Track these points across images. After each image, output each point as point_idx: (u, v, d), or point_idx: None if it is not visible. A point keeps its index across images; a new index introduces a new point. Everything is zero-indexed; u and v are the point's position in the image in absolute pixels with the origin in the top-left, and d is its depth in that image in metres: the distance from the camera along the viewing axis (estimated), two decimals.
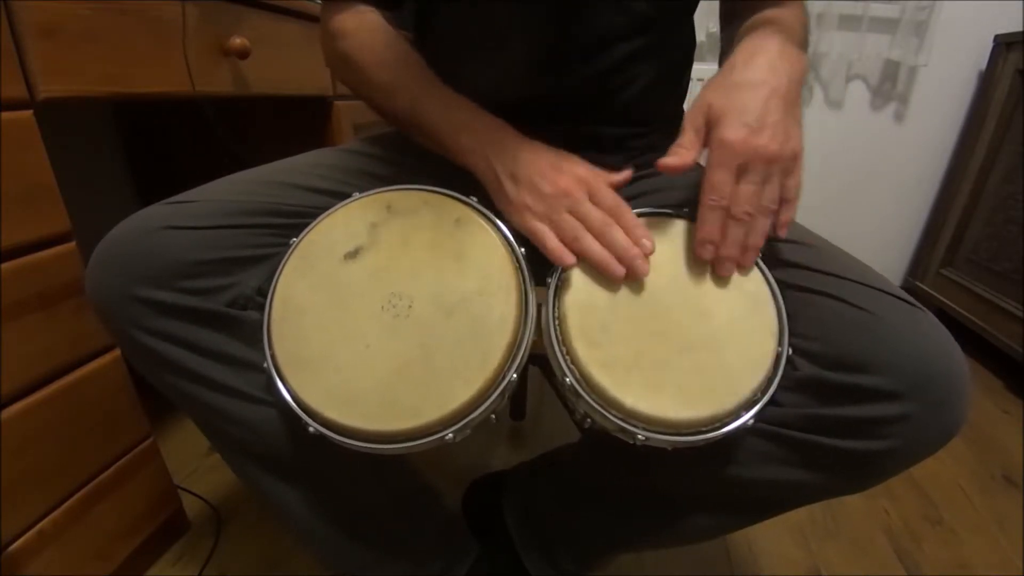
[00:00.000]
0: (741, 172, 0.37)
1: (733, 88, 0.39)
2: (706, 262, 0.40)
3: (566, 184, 0.42)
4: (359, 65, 0.51)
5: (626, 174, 0.45)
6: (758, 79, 0.39)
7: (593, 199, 0.42)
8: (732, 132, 0.37)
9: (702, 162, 0.40)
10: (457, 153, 0.47)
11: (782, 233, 0.40)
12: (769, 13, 0.50)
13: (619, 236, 0.40)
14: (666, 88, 0.57)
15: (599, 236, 0.40)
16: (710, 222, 0.38)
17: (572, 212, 0.41)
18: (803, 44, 0.48)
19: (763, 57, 0.41)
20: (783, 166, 0.38)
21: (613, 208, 0.41)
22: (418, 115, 0.49)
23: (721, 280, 0.40)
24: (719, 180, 0.38)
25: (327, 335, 0.40)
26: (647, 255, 0.40)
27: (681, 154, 0.39)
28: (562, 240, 0.41)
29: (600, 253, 0.40)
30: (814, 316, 0.40)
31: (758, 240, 0.39)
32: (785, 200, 0.39)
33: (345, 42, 0.52)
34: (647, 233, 0.40)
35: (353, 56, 0.51)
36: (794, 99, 0.40)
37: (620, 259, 0.39)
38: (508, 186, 0.43)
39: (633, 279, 0.40)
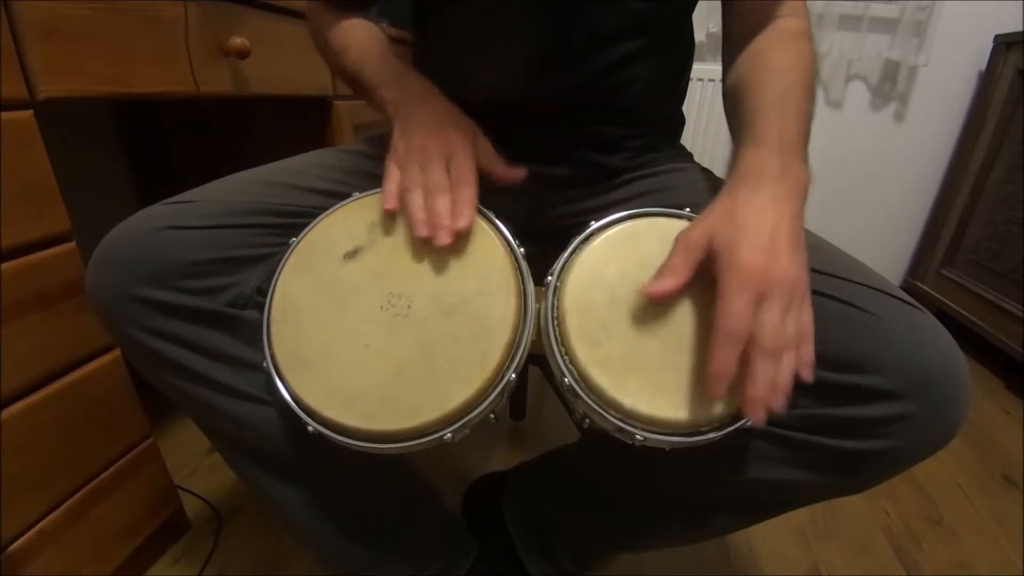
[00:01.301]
0: (760, 301, 0.33)
1: (739, 222, 0.36)
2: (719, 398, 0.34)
3: (428, 142, 0.44)
4: (324, 34, 0.56)
5: (518, 172, 0.47)
6: (762, 215, 0.36)
7: (448, 163, 0.43)
8: (748, 256, 0.34)
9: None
10: (379, 104, 0.50)
11: (808, 375, 0.34)
12: (772, 60, 0.47)
13: (441, 203, 0.41)
14: (666, 88, 0.57)
15: (426, 195, 0.42)
16: (725, 356, 0.32)
17: (422, 167, 0.43)
18: (809, 114, 0.44)
19: (765, 191, 0.37)
20: (800, 294, 0.34)
21: (457, 178, 0.42)
22: (357, 71, 0.53)
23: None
24: (739, 308, 0.32)
25: (326, 335, 0.40)
26: (457, 232, 0.40)
27: (666, 281, 0.36)
28: (400, 188, 0.43)
29: (415, 211, 0.41)
30: (814, 316, 0.40)
31: (788, 379, 0.33)
32: (803, 334, 0.34)
33: (316, 15, 0.57)
34: (470, 214, 0.41)
35: (319, 26, 0.57)
36: (797, 230, 0.36)
37: (430, 223, 0.40)
38: (396, 132, 0.46)
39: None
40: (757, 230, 0.35)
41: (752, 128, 0.42)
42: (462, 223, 0.40)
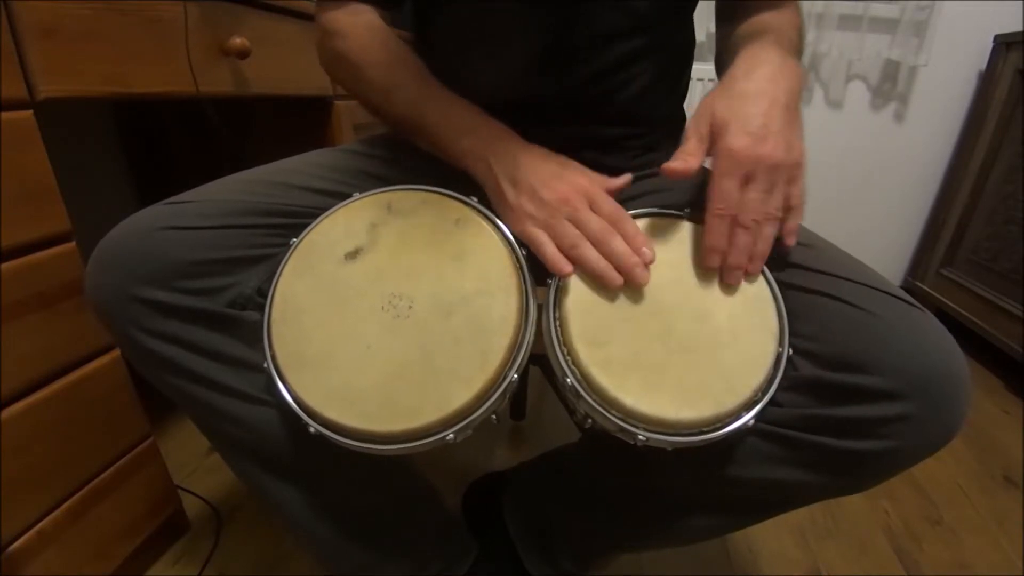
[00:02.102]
0: (746, 180, 0.38)
1: (735, 98, 0.40)
2: (712, 268, 0.40)
3: (566, 192, 0.42)
4: (356, 65, 0.51)
5: (626, 178, 0.45)
6: (759, 90, 0.40)
7: (593, 207, 0.42)
8: (737, 141, 0.38)
9: (707, 165, 0.41)
10: (458, 156, 0.47)
11: (790, 241, 0.40)
12: (766, 17, 0.51)
13: (618, 244, 0.40)
14: (666, 88, 0.57)
15: (598, 244, 0.40)
16: (717, 230, 0.38)
17: (571, 220, 0.41)
18: (799, 51, 0.49)
19: (764, 69, 0.41)
20: (787, 174, 0.38)
21: (613, 216, 0.41)
22: (417, 116, 0.48)
23: (721, 280, 0.40)
24: (726, 189, 0.38)
25: (327, 335, 0.40)
26: (647, 264, 0.39)
27: (686, 159, 0.39)
28: (560, 248, 0.41)
29: (597, 262, 0.39)
30: (814, 316, 0.40)
31: (765, 248, 0.39)
32: (790, 207, 0.39)
33: (341, 42, 0.51)
34: (647, 241, 0.40)
35: (349, 56, 0.51)
36: (794, 110, 0.40)
37: (619, 267, 0.39)
38: (508, 192, 0.43)
39: (632, 287, 0.40)
40: (748, 112, 0.39)
41: (750, 47, 0.45)
42: (648, 253, 0.40)
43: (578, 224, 0.41)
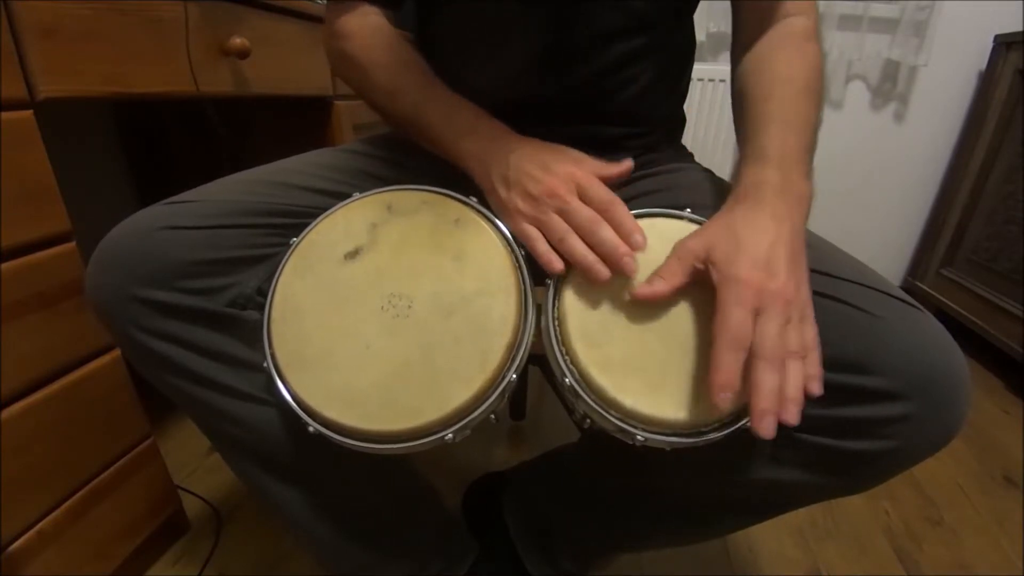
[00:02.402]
0: (758, 313, 0.33)
1: (738, 238, 0.36)
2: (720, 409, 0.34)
3: (553, 184, 0.41)
4: (362, 66, 0.51)
5: (626, 165, 0.43)
6: (761, 233, 0.36)
7: (583, 196, 0.40)
8: (745, 271, 0.34)
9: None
10: (457, 157, 0.47)
11: (816, 388, 0.33)
12: (779, 69, 0.46)
13: (606, 234, 0.38)
14: (666, 88, 0.57)
15: (586, 236, 0.39)
16: (727, 364, 0.32)
17: (560, 213, 0.40)
18: (817, 101, 0.44)
19: (765, 210, 0.37)
20: (799, 311, 0.34)
21: (602, 204, 0.40)
22: (420, 118, 0.49)
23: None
24: (737, 319, 0.33)
25: (327, 335, 0.40)
26: (637, 250, 0.38)
27: (657, 283, 0.37)
28: (550, 242, 0.40)
29: (584, 255, 0.38)
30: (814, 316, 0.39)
31: (797, 391, 0.32)
32: (808, 347, 0.34)
33: (348, 43, 0.52)
34: (638, 227, 0.39)
35: (356, 57, 0.51)
36: (799, 249, 0.37)
37: (606, 258, 0.38)
38: (500, 190, 0.43)
39: (622, 276, 0.39)
40: (755, 247, 0.35)
41: (754, 142, 0.42)
42: (638, 240, 0.38)
43: (566, 216, 0.40)
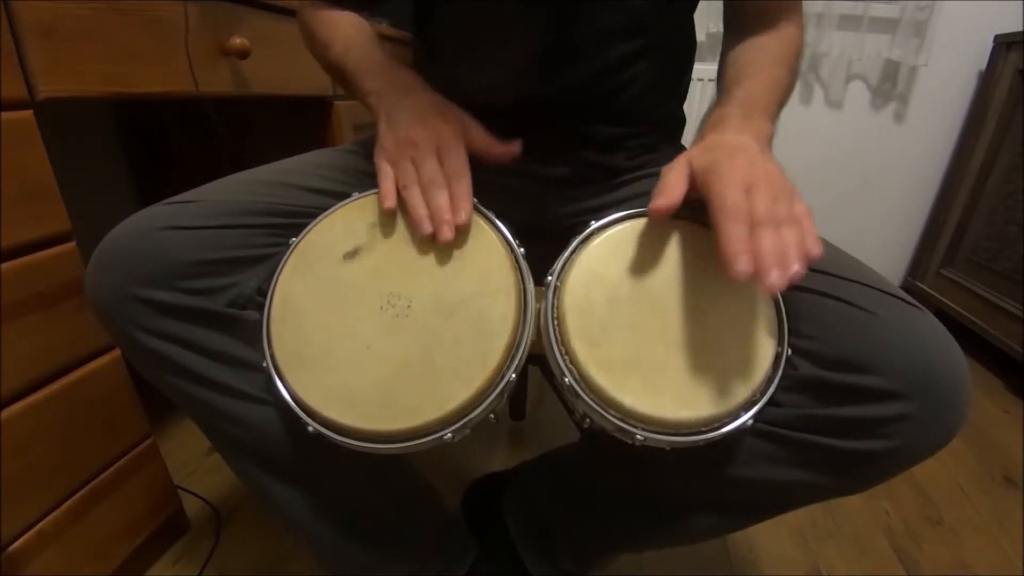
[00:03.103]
0: (748, 190, 0.35)
1: (712, 147, 0.40)
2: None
3: (417, 135, 0.43)
4: (310, 27, 0.56)
5: (512, 148, 0.46)
6: (732, 140, 0.40)
7: (441, 156, 0.43)
8: (730, 161, 0.37)
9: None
10: (363, 95, 0.50)
11: (816, 249, 0.33)
12: (761, 58, 0.51)
13: (440, 198, 0.41)
14: (666, 88, 0.57)
15: (424, 192, 0.41)
16: (735, 234, 0.33)
17: (414, 162, 0.43)
18: (789, 68, 0.49)
19: (728, 134, 0.42)
20: (786, 192, 0.36)
21: (452, 171, 0.42)
22: (342, 63, 0.52)
23: (720, 280, 0.40)
24: (732, 196, 0.34)
25: (326, 335, 0.40)
26: (458, 224, 0.40)
27: (668, 192, 0.38)
28: (396, 184, 0.42)
29: (417, 208, 0.41)
30: (814, 316, 0.39)
31: (795, 248, 0.33)
32: (802, 216, 0.35)
33: (305, 11, 0.57)
34: (469, 208, 0.41)
35: (307, 21, 0.56)
36: (770, 155, 0.40)
37: (432, 218, 0.40)
38: (382, 126, 0.46)
39: (436, 243, 0.41)
40: (732, 150, 0.38)
41: (723, 93, 0.47)
42: (462, 217, 0.40)
43: (416, 168, 0.42)
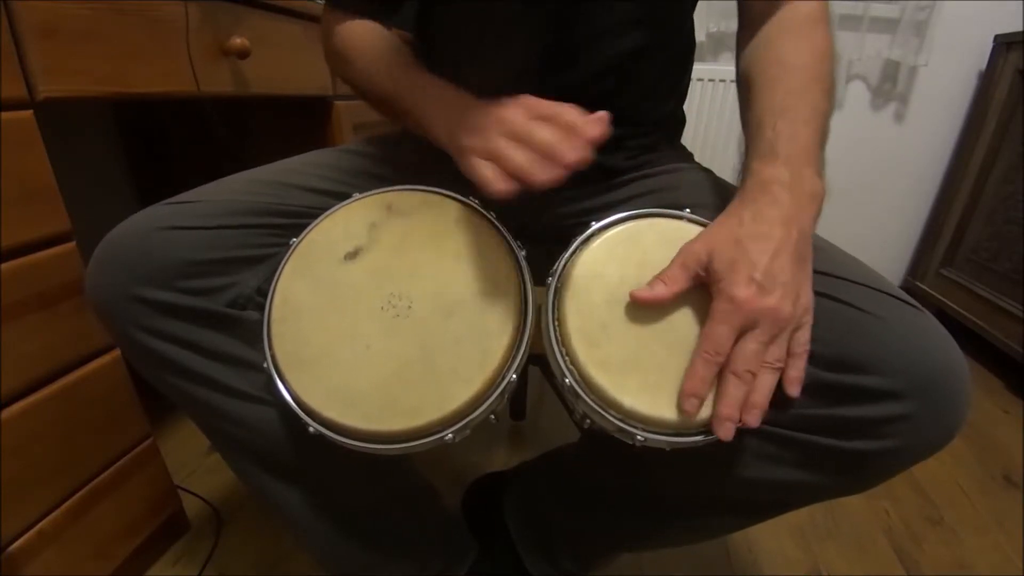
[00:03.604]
0: (746, 330, 0.35)
1: (741, 241, 0.36)
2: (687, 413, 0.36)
3: (495, 115, 0.39)
4: (347, 56, 0.53)
5: (599, 115, 0.37)
6: (768, 234, 0.36)
7: (532, 115, 0.38)
8: (740, 290, 0.34)
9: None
10: (428, 128, 0.46)
11: (793, 391, 0.36)
12: (788, 58, 0.44)
13: (542, 133, 0.35)
14: (666, 88, 0.57)
15: (523, 140, 0.36)
16: (698, 374, 0.35)
17: (505, 135, 0.37)
18: (830, 91, 0.42)
19: (773, 212, 0.36)
20: (794, 324, 0.35)
21: (548, 115, 0.36)
22: (395, 95, 0.50)
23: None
24: (718, 335, 0.35)
25: (327, 335, 0.40)
26: (590, 138, 0.35)
27: (658, 288, 0.37)
28: (491, 161, 0.37)
29: (517, 160, 0.35)
30: (814, 317, 0.39)
31: (761, 399, 0.35)
32: (793, 354, 0.36)
33: (338, 39, 0.54)
34: (599, 118, 0.35)
35: (343, 50, 0.54)
36: (805, 254, 0.36)
37: (546, 155, 0.35)
38: (455, 140, 0.42)
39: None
40: (757, 258, 0.35)
41: (761, 136, 0.41)
42: (593, 130, 0.35)
43: (510, 134, 0.37)
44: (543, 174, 0.35)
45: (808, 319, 0.36)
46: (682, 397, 0.35)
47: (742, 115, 0.48)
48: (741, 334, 0.35)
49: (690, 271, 0.37)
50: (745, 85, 0.47)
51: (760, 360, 0.35)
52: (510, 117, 0.38)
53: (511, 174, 0.36)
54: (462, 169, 0.40)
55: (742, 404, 0.35)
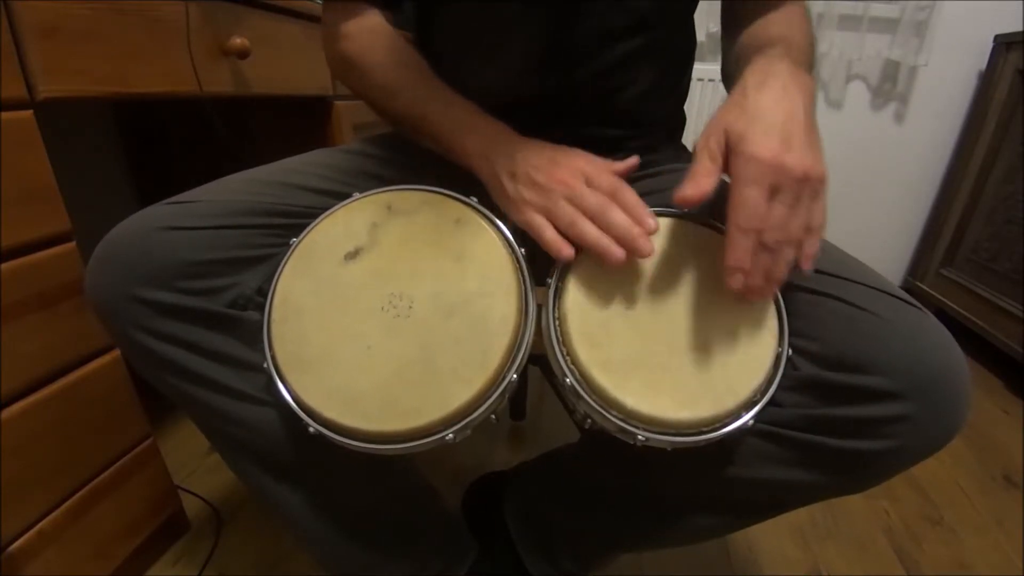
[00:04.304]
0: (772, 192, 0.34)
1: (750, 110, 0.36)
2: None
3: (562, 175, 0.41)
4: (361, 67, 0.52)
5: (632, 161, 0.44)
6: (775, 101, 0.36)
7: (590, 184, 0.41)
8: (762, 148, 0.34)
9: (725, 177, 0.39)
10: (461, 155, 0.47)
11: (807, 267, 0.36)
12: (772, 25, 0.49)
13: (618, 216, 0.38)
14: (666, 88, 0.57)
15: (596, 219, 0.39)
16: (742, 246, 0.34)
17: (568, 200, 0.40)
18: (810, 62, 0.46)
19: (776, 81, 0.38)
20: (812, 188, 0.35)
21: (611, 190, 0.40)
22: (420, 117, 0.49)
23: (721, 280, 0.40)
24: (753, 199, 0.33)
25: (327, 336, 0.40)
26: (650, 233, 0.38)
27: (699, 182, 0.36)
28: (558, 228, 0.40)
29: (598, 237, 0.38)
30: (814, 316, 0.40)
31: (783, 272, 0.35)
32: (811, 228, 0.35)
33: (347, 44, 0.52)
34: (650, 212, 0.39)
35: (355, 58, 0.52)
36: (811, 124, 0.37)
37: (620, 240, 0.38)
38: (507, 184, 0.43)
39: (636, 257, 0.39)
40: (769, 122, 0.35)
41: (759, 53, 0.43)
42: (650, 223, 0.38)
43: (575, 202, 0.40)
44: (619, 254, 0.38)
45: (824, 189, 0.35)
46: (727, 273, 0.35)
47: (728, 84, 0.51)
48: (770, 197, 0.34)
49: (714, 153, 0.36)
50: (737, 59, 0.50)
51: (788, 226, 0.34)
52: (573, 185, 0.41)
53: (578, 242, 0.39)
54: (514, 218, 0.43)
55: (768, 274, 0.35)
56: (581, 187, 0.40)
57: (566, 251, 0.39)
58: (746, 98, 0.37)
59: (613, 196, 0.40)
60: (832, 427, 0.38)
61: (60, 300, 0.54)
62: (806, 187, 0.34)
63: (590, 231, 0.39)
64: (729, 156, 0.35)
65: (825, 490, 0.42)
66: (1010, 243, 1.31)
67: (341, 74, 0.56)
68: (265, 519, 0.82)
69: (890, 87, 1.60)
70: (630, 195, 0.40)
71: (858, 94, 1.62)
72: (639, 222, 0.38)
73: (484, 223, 0.43)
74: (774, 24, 0.49)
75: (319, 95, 0.94)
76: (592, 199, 0.40)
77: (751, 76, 0.39)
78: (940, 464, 1.03)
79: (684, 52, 0.58)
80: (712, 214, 0.42)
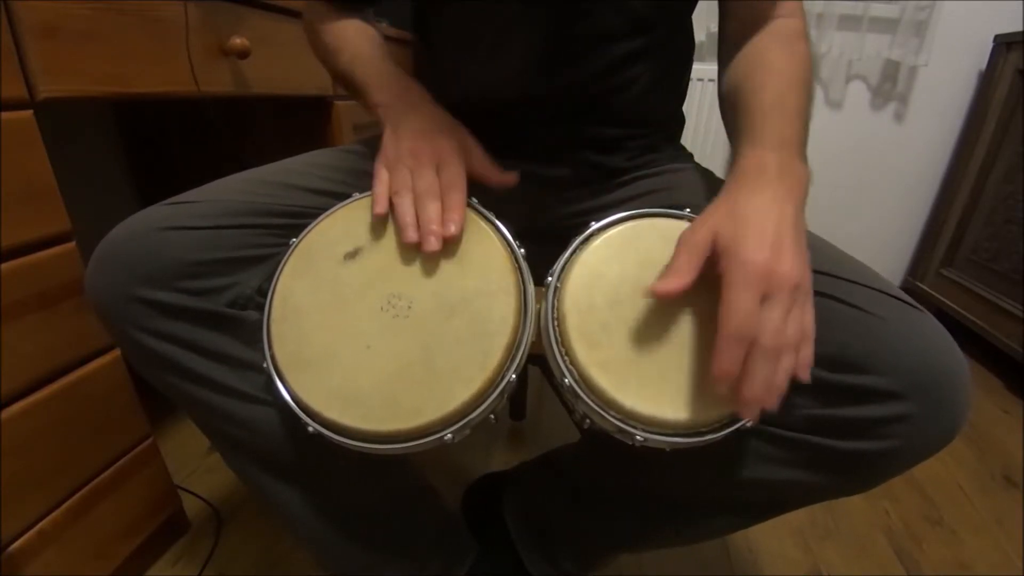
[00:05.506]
0: (765, 297, 0.33)
1: (740, 214, 0.36)
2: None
3: (420, 147, 0.44)
4: (316, 31, 0.56)
5: (509, 177, 0.47)
6: (766, 209, 0.36)
7: (438, 170, 0.43)
8: (755, 254, 0.33)
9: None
10: (371, 105, 0.50)
11: (805, 375, 0.34)
12: (773, 65, 0.46)
13: (431, 209, 0.41)
14: (666, 88, 0.57)
15: (416, 200, 0.42)
16: (731, 356, 0.32)
17: (412, 172, 0.43)
18: (808, 97, 0.45)
19: (766, 182, 0.37)
20: (804, 294, 0.34)
21: (447, 183, 0.43)
22: (350, 73, 0.53)
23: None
24: (745, 305, 0.32)
25: (327, 335, 0.40)
26: (446, 238, 0.40)
27: (672, 280, 0.35)
28: (390, 191, 0.43)
29: (404, 215, 0.41)
30: (815, 317, 0.39)
31: (784, 380, 0.33)
32: (805, 335, 0.34)
33: (314, 16, 0.57)
34: (459, 220, 0.41)
35: (313, 25, 0.57)
36: (800, 226, 0.36)
37: (420, 228, 0.41)
38: (388, 137, 0.46)
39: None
40: (761, 227, 0.34)
41: (750, 129, 0.42)
42: (452, 229, 0.40)
43: (413, 178, 0.43)
44: (412, 237, 0.41)
45: (811, 298, 0.35)
46: (714, 380, 0.32)
47: (727, 120, 0.49)
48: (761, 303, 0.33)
49: (697, 256, 0.36)
50: (734, 93, 0.48)
51: (787, 334, 0.33)
52: (421, 162, 0.43)
53: (394, 210, 0.42)
54: (377, 163, 0.46)
55: (769, 385, 0.32)
56: (425, 168, 0.43)
57: (378, 207, 0.42)
58: (736, 207, 0.36)
59: (445, 189, 0.42)
60: (832, 428, 0.38)
61: (60, 300, 0.55)
62: (797, 295, 0.33)
63: (405, 207, 0.42)
64: (720, 259, 0.35)
65: (825, 491, 0.42)
66: (1010, 243, 1.31)
67: (311, 45, 0.59)
68: (265, 519, 0.82)
69: (890, 87, 1.60)
70: (457, 197, 0.42)
71: (858, 94, 1.62)
72: (445, 222, 0.41)
73: (483, 223, 0.43)
74: (772, 53, 0.47)
75: (319, 95, 0.94)
76: (423, 183, 0.42)
77: (742, 183, 0.38)
78: (940, 464, 1.03)
79: (683, 53, 0.58)
80: None
